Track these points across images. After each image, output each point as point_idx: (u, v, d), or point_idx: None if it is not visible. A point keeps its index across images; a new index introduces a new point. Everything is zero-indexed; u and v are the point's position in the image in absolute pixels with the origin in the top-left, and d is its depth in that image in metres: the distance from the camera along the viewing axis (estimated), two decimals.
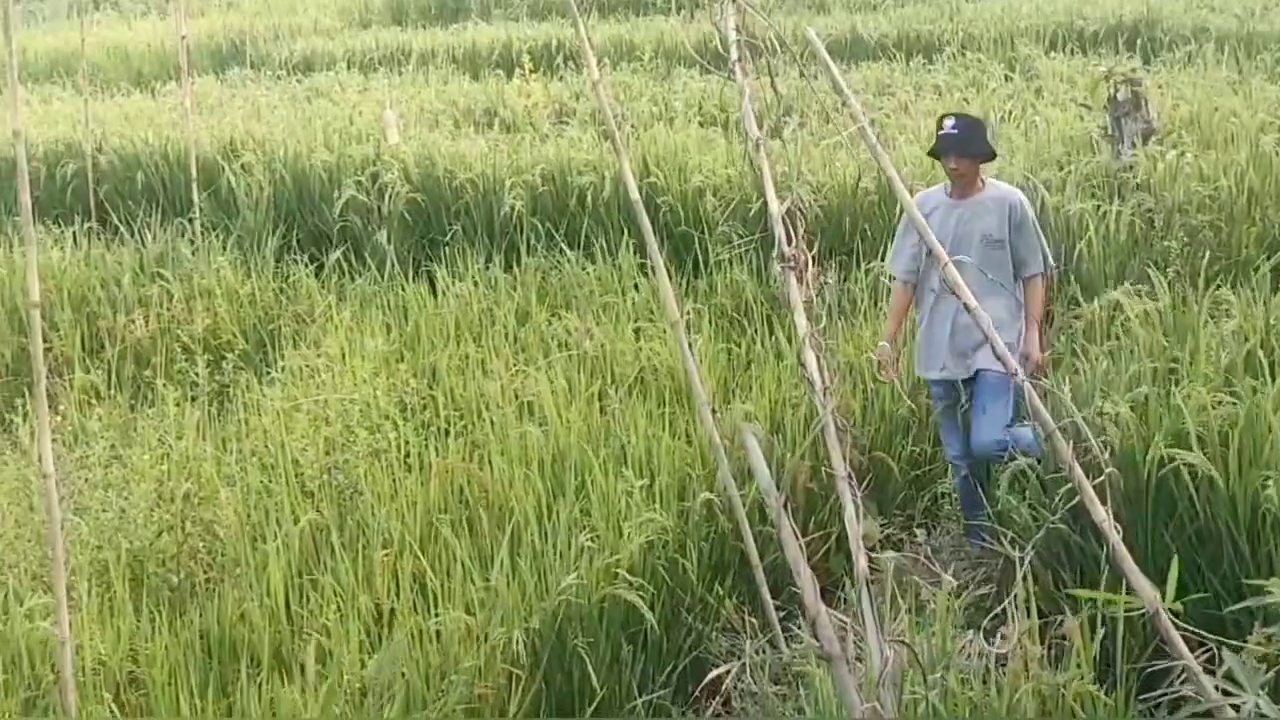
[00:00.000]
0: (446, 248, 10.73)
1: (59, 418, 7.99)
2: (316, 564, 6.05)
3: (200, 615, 5.70)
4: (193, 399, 8.09)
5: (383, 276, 10.28)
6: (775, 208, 3.29)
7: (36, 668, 5.26)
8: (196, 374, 8.45)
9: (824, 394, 3.13)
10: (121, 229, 11.71)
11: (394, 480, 6.63)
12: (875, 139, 3.65)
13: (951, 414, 7.00)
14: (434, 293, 9.66)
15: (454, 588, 5.70)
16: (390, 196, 11.61)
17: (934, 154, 6.98)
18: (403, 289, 9.78)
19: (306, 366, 8.30)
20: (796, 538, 2.67)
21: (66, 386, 8.67)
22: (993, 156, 7.04)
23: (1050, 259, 6.92)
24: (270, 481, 6.72)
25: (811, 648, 2.70)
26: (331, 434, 7.11)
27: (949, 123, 6.77)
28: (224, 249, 10.94)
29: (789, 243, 3.25)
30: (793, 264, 3.25)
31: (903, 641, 3.11)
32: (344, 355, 8.28)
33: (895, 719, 2.67)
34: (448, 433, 7.29)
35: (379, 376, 7.81)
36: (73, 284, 10.23)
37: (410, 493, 6.47)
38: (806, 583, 2.75)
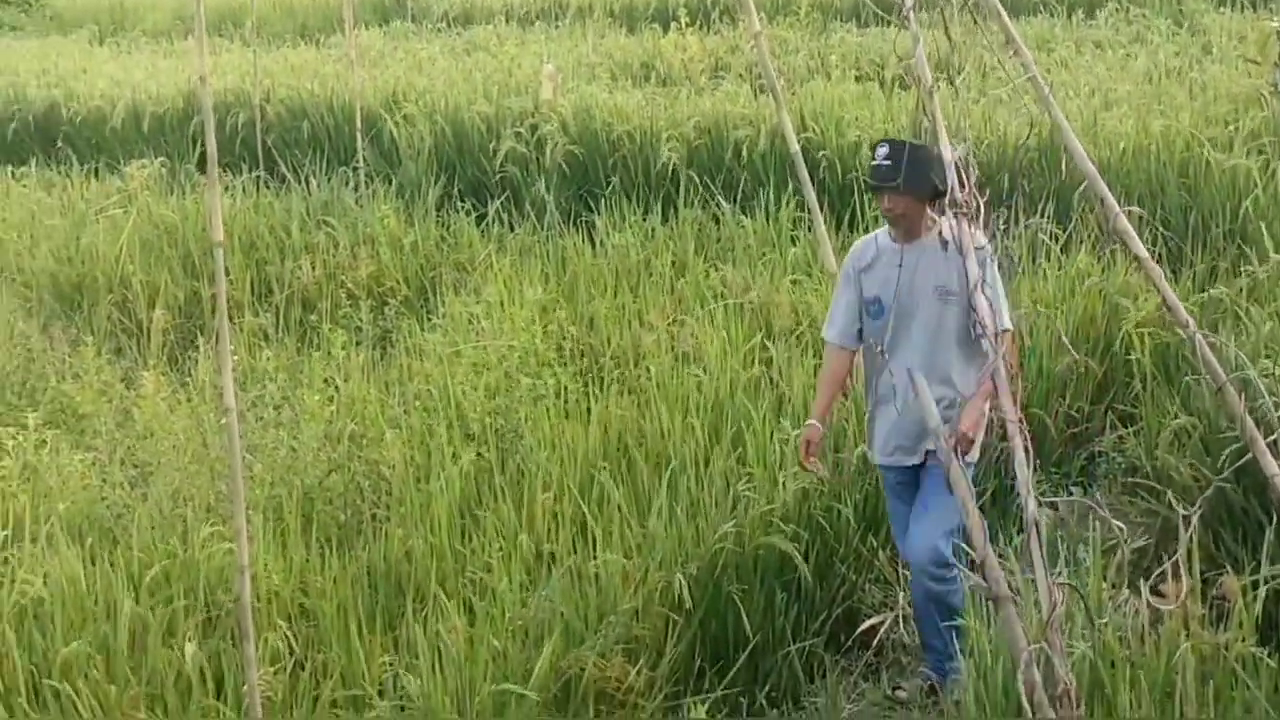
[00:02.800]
0: (603, 200, 10.82)
1: (235, 357, 8.26)
2: (479, 504, 6.19)
3: (367, 551, 5.88)
4: (357, 343, 8.30)
5: (541, 227, 10.41)
6: (948, 154, 3.30)
7: (214, 594, 5.47)
8: (361, 319, 8.67)
9: (995, 339, 3.13)
10: (289, 177, 11.99)
11: (553, 425, 6.75)
12: (1047, 89, 3.64)
13: (905, 507, 5.75)
14: (591, 244, 9.76)
15: (612, 532, 5.80)
16: (549, 148, 11.74)
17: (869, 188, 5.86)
18: (561, 239, 9.90)
19: (467, 313, 8.45)
20: (965, 479, 2.70)
21: (237, 329, 8.93)
22: (937, 193, 5.13)
23: (1008, 317, 5.31)
24: (433, 424, 6.88)
25: (979, 589, 2.72)
26: (492, 379, 7.24)
27: (881, 151, 5.46)
28: (387, 198, 11.15)
29: (961, 189, 3.25)
30: (964, 209, 3.26)
31: (1072, 585, 3.12)
32: (504, 303, 8.41)
33: (1062, 659, 2.70)
34: (605, 381, 7.39)
35: (538, 324, 7.93)
36: (242, 230, 10.51)
37: (570, 438, 6.58)
38: (975, 524, 2.78)
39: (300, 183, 11.72)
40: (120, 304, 9.85)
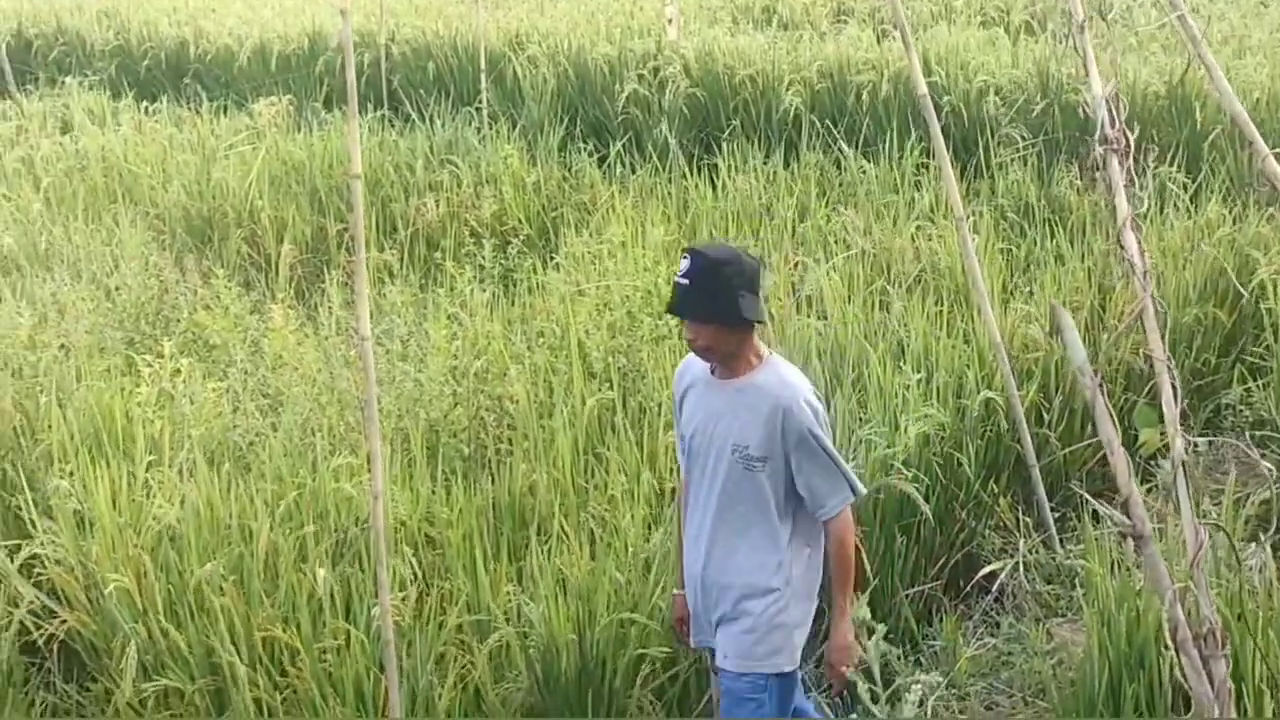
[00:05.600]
0: (725, 143, 10.81)
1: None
2: (601, 441, 6.26)
3: (492, 484, 5.98)
4: (480, 281, 8.39)
5: (663, 169, 10.43)
6: (1098, 88, 3.26)
7: (342, 522, 5.60)
8: (483, 257, 8.77)
9: (1144, 276, 3.08)
10: (413, 117, 12.11)
11: (675, 365, 6.77)
12: (1196, 29, 3.58)
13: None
14: (713, 186, 9.77)
15: None
16: (670, 91, 11.74)
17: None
18: (683, 180, 9.91)
19: (589, 253, 8.51)
20: (1111, 418, 2.68)
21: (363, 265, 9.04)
22: (739, 323, 4.19)
23: (854, 486, 4.33)
24: (556, 361, 6.96)
25: (1124, 528, 2.71)
26: (615, 319, 7.30)
27: (684, 264, 4.24)
28: (510, 138, 11.23)
29: (1111, 126, 3.22)
30: (1115, 145, 3.22)
31: (1218, 525, 3.11)
32: (626, 244, 8.46)
33: (1208, 599, 2.69)
34: None
35: (660, 265, 7.96)
36: (368, 168, 10.64)
37: None
38: (1120, 462, 2.77)
39: (425, 122, 11.83)
40: (249, 238, 10.04)
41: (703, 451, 4.36)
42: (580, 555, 5.25)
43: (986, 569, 5.84)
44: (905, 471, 5.80)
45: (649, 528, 5.50)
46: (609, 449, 6.10)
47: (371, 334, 7.07)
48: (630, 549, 5.30)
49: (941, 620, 5.79)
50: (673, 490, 5.83)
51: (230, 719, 4.82)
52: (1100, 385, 2.66)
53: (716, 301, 4.17)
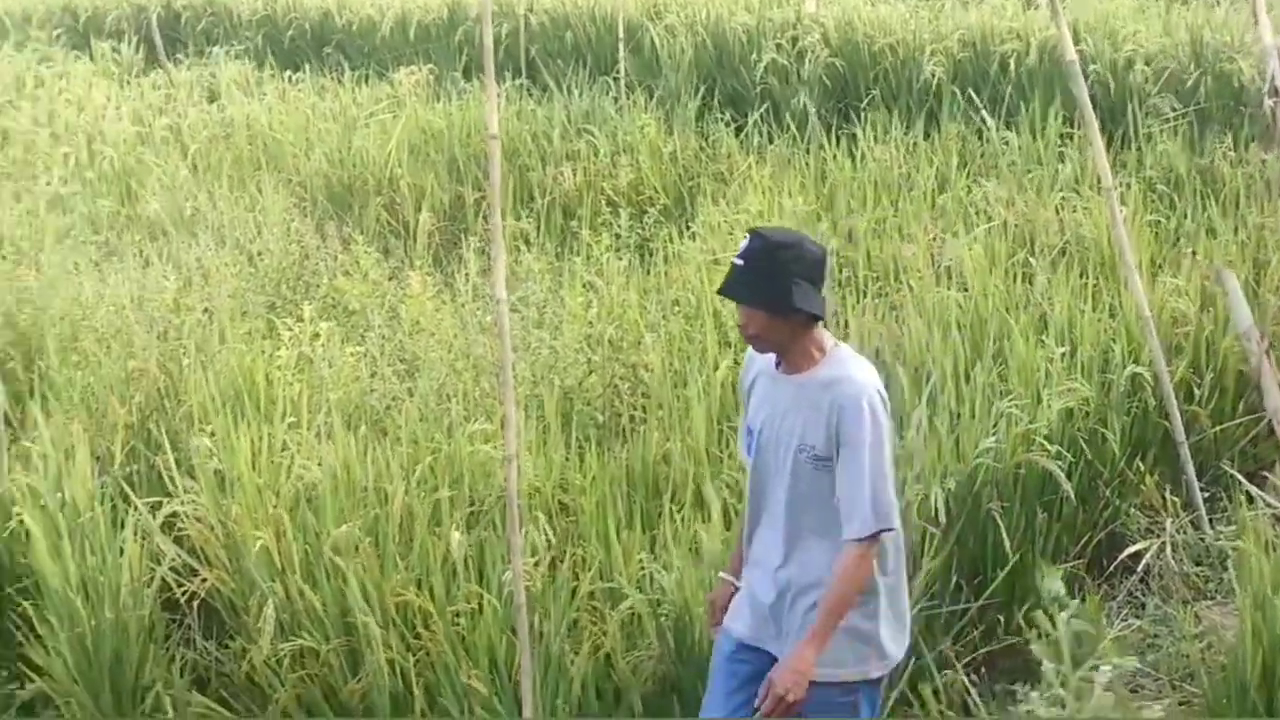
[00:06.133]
0: (864, 113, 10.67)
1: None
2: (735, 410, 6.19)
3: (626, 452, 5.95)
4: (616, 250, 8.37)
5: (801, 138, 10.31)
6: (1269, 38, 3.13)
7: (476, 488, 5.61)
8: (619, 226, 8.74)
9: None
10: (551, 86, 12.12)
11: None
12: None
13: (723, 698, 4.26)
14: (851, 156, 9.64)
15: None
16: (810, 60, 11.62)
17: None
18: (822, 150, 9.80)
19: (725, 222, 8.45)
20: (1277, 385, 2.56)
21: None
22: (790, 312, 3.92)
23: (884, 517, 3.92)
24: (692, 330, 6.91)
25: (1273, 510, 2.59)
26: None
27: (743, 244, 4.01)
28: (647, 107, 11.19)
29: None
30: None
31: None
32: (763, 214, 8.38)
33: None
34: (865, 293, 7.31)
35: None
36: (506, 137, 10.68)
37: None
38: None
39: (562, 91, 11.83)
40: (388, 205, 10.13)
41: (771, 447, 4.11)
42: (713, 524, 5.19)
43: (1131, 549, 5.70)
44: (1047, 447, 5.67)
45: None
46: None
47: (507, 298, 7.12)
48: None
49: (1084, 600, 5.64)
50: None
51: (364, 680, 4.85)
52: (1267, 351, 2.54)
53: (768, 286, 3.90)
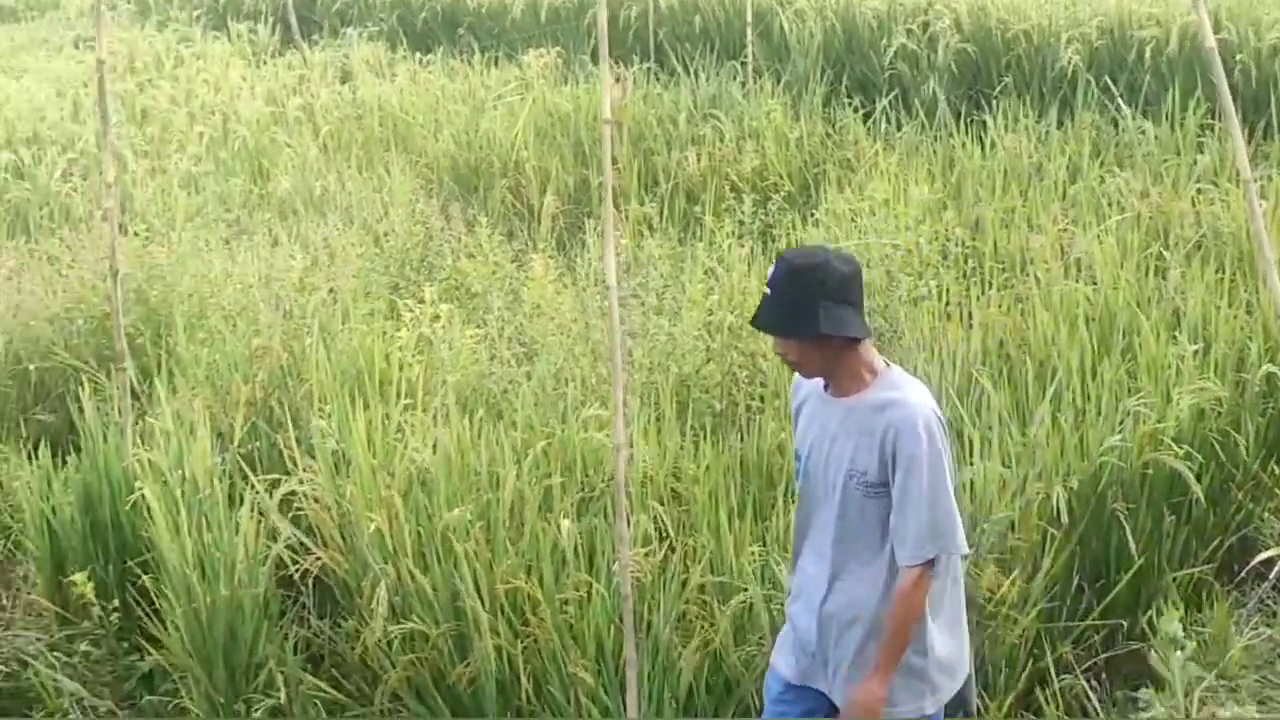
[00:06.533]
0: (995, 100, 10.47)
1: (622, 240, 8.42)
2: None
3: (740, 441, 5.89)
4: (739, 236, 8.30)
5: (930, 126, 10.15)
6: None
7: (589, 474, 5.59)
8: (743, 212, 8.67)
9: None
10: (678, 70, 12.07)
11: (934, 328, 6.59)
12: None
13: None
14: (981, 144, 9.47)
15: (990, 438, 5.62)
16: (940, 46, 11.43)
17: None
18: (950, 138, 9.63)
19: (850, 210, 8.34)
20: None
21: (623, 217, 9.07)
22: (819, 337, 3.79)
23: (943, 537, 3.79)
24: None
25: None
26: (873, 278, 7.12)
27: (770, 271, 3.90)
28: (774, 93, 11.10)
29: None
30: None
31: None
32: (888, 202, 8.26)
33: None
34: (990, 284, 7.16)
35: (923, 224, 7.74)
36: (631, 120, 10.66)
37: (951, 341, 6.41)
38: None
39: (689, 75, 11.78)
40: (514, 188, 10.17)
41: (819, 473, 3.97)
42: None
43: (1265, 554, 5.50)
44: (1176, 447, 5.50)
45: None
46: None
47: (623, 284, 7.09)
48: None
49: (1212, 606, 5.48)
50: None
51: (471, 666, 4.85)
52: None
53: (795, 313, 3.77)
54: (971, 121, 10.09)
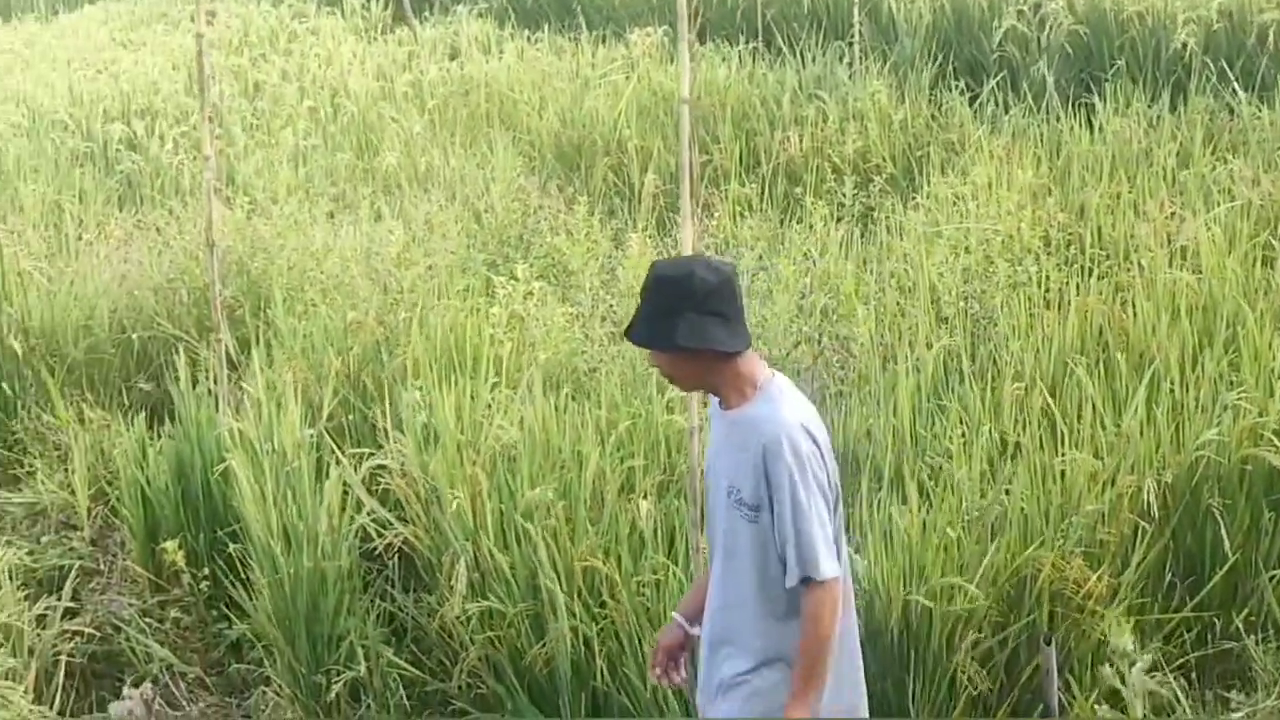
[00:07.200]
0: (1106, 83, 10.26)
1: (713, 222, 8.38)
2: (945, 389, 6.02)
3: (828, 426, 5.82)
4: (838, 219, 8.23)
5: (1038, 109, 9.98)
6: None
7: (673, 455, 5.57)
8: (844, 194, 8.59)
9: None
10: (784, 50, 11.98)
11: (1031, 315, 6.48)
12: None
13: None
14: (1090, 128, 9.29)
15: (1082, 428, 5.51)
16: (1052, 28, 11.24)
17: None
18: (1058, 121, 9.46)
19: (952, 194, 8.23)
20: None
21: (722, 197, 9.03)
22: (676, 350, 3.67)
23: (808, 564, 3.57)
24: (906, 304, 6.74)
25: None
26: (971, 263, 7.02)
27: (643, 282, 3.79)
28: (880, 74, 10.98)
29: None
30: None
31: None
32: (991, 185, 8.13)
33: None
34: (1091, 272, 7.02)
35: (1025, 209, 7.62)
36: (735, 100, 10.61)
37: (1047, 328, 6.30)
38: None
39: (794, 55, 11.68)
40: (615, 167, 10.16)
41: (711, 488, 3.87)
42: (910, 508, 5.04)
43: None
44: (1276, 443, 5.35)
45: (986, 484, 5.24)
46: (952, 397, 5.86)
47: None
48: (964, 504, 5.07)
49: None
50: (1017, 443, 5.56)
51: (548, 646, 4.86)
52: None
53: (654, 325, 3.65)
54: (1080, 105, 9.89)
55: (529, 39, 13.87)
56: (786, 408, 3.68)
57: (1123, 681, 4.37)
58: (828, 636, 3.62)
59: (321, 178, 10.17)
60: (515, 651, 4.96)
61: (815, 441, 3.67)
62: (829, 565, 3.59)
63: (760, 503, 3.63)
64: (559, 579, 4.87)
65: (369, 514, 5.46)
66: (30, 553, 6.28)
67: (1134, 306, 6.43)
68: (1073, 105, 9.87)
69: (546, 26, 14.24)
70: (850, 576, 3.86)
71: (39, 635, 5.58)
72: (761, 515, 3.63)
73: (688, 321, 3.61)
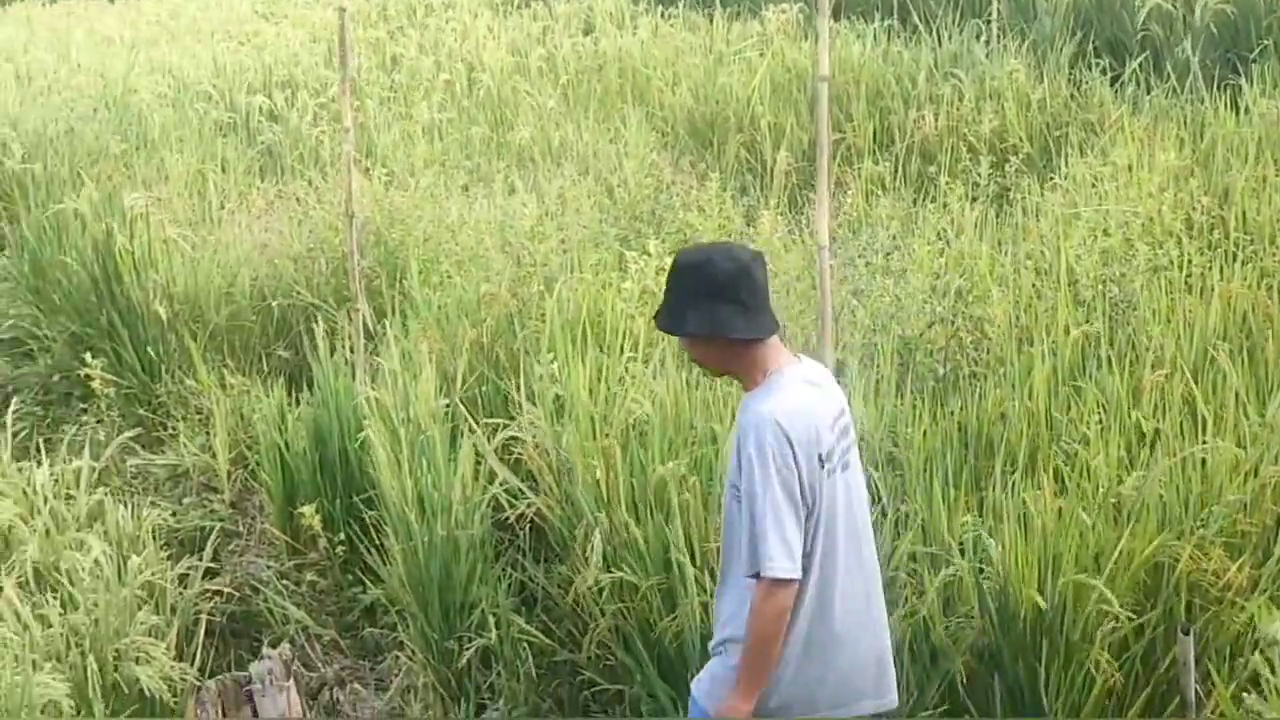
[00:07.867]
0: (1254, 64, 10.00)
1: (847, 200, 8.33)
2: (1082, 373, 5.94)
3: (961, 408, 5.77)
4: (973, 199, 8.14)
5: (1181, 90, 9.77)
6: None
7: None
8: (979, 174, 8.49)
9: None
10: (920, 28, 11.85)
11: (1172, 300, 6.35)
12: None
13: None
14: (1236, 110, 9.07)
15: (1225, 417, 5.40)
16: (1198, 7, 10.97)
17: None
18: (1202, 103, 9.26)
19: (1091, 175, 8.09)
20: None
21: (855, 175, 8.97)
22: (685, 335, 3.82)
23: (762, 562, 3.57)
24: (1043, 286, 6.65)
25: None
26: (1110, 245, 6.91)
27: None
28: (1018, 52, 10.82)
29: None
30: None
31: None
32: (1131, 167, 7.98)
33: None
34: (1235, 256, 6.87)
35: (1166, 192, 7.46)
36: (869, 78, 10.53)
37: (1189, 314, 6.18)
38: None
39: (930, 33, 11.56)
40: (748, 144, 10.14)
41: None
42: (1047, 493, 4.98)
43: None
44: None
45: (1124, 470, 5.16)
46: (1089, 382, 5.78)
47: (853, 247, 7.02)
48: (1101, 491, 5.00)
49: None
50: (1156, 430, 5.46)
51: (677, 620, 4.89)
52: None
53: (672, 312, 3.77)
54: (1226, 86, 9.66)
55: (663, 15, 13.88)
56: (771, 400, 3.68)
57: (1272, 670, 4.28)
58: (768, 635, 3.62)
59: (457, 151, 10.28)
60: (645, 624, 4.99)
61: (789, 439, 3.61)
62: (780, 564, 3.57)
63: (740, 487, 3.67)
64: (692, 554, 4.89)
65: (501, 484, 5.53)
66: (173, 514, 6.47)
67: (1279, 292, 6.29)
68: (1218, 86, 9.65)
69: (681, 2, 14.23)
70: (850, 579, 3.80)
71: (181, 594, 5.74)
72: (742, 499, 3.67)
73: (703, 308, 3.70)
